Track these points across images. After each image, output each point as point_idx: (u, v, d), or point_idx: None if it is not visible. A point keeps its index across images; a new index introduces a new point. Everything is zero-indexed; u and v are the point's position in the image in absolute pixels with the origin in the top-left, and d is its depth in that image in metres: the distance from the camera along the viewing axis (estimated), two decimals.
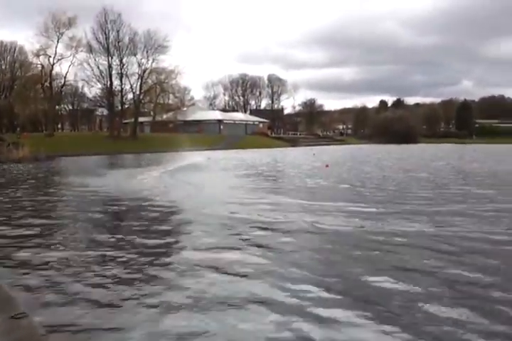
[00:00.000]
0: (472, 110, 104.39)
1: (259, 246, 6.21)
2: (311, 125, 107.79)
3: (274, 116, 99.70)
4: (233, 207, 9.29)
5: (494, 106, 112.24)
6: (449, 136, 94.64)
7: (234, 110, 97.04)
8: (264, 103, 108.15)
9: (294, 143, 69.88)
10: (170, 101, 63.24)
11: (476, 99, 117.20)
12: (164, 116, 64.92)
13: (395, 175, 17.68)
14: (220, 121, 76.45)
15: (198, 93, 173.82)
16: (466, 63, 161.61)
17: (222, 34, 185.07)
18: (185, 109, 74.66)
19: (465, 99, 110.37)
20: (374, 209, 9.08)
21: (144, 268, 5.23)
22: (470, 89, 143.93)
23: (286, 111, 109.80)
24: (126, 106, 57.95)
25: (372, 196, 11.26)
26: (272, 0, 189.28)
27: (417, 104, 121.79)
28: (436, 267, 5.15)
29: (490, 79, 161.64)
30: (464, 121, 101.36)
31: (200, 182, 14.49)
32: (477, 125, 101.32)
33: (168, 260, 5.57)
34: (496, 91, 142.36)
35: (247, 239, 6.59)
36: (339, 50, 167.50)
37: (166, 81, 57.01)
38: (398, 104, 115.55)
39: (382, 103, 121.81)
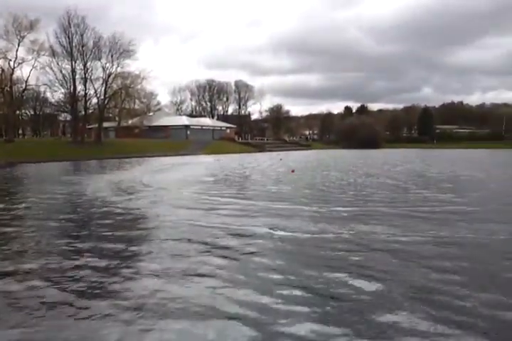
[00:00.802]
0: (433, 116, 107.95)
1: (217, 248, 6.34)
2: (278, 130, 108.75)
3: (242, 122, 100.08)
4: (194, 214, 9.35)
5: (453, 112, 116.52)
6: (412, 141, 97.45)
7: (201, 115, 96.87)
8: (231, 108, 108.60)
9: (261, 148, 70.30)
10: (136, 106, 62.60)
11: (437, 106, 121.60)
12: (130, 122, 64.13)
13: (359, 179, 18.13)
14: (187, 127, 76.10)
15: (164, 98, 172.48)
16: (427, 71, 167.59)
17: (190, 40, 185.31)
18: (151, 114, 73.96)
19: (426, 106, 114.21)
20: (333, 214, 9.34)
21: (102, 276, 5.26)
22: (430, 95, 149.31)
23: (253, 117, 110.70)
24: (91, 111, 56.89)
25: (334, 200, 11.54)
26: (240, 7, 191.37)
27: (380, 110, 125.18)
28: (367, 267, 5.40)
29: (449, 86, 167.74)
30: (425, 126, 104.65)
31: (164, 188, 14.47)
32: (438, 130, 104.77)
33: (127, 266, 5.60)
34: (455, 98, 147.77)
35: (205, 244, 6.70)
36: (305, 57, 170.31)
37: (132, 86, 56.40)
38: (362, 110, 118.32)
39: (347, 109, 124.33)
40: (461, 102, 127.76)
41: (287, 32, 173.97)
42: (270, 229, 7.67)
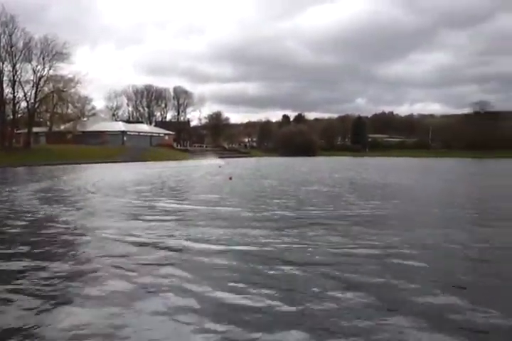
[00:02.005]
0: (365, 125, 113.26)
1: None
2: (217, 137, 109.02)
3: (180, 128, 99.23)
4: (115, 227, 9.13)
5: (384, 122, 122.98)
6: (345, 149, 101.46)
7: (138, 121, 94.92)
8: (169, 115, 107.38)
9: (200, 155, 70.14)
10: (69, 111, 60.23)
11: (369, 115, 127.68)
12: (62, 127, 61.64)
13: (293, 187, 18.74)
14: (123, 133, 74.33)
15: (100, 103, 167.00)
16: (361, 82, 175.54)
17: (129, 45, 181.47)
18: (85, 119, 71.51)
19: (359, 115, 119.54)
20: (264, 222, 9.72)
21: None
22: (363, 106, 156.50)
23: (192, 124, 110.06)
24: (19, 115, 54.10)
25: (267, 207, 11.93)
26: (182, 14, 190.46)
27: (316, 119, 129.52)
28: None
29: (381, 97, 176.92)
30: (358, 135, 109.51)
31: (91, 198, 14.23)
32: (370, 139, 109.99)
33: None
34: (386, 109, 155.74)
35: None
36: (245, 66, 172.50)
37: (65, 89, 54.37)
38: (299, 118, 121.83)
39: (285, 117, 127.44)
40: (392, 113, 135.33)
41: (228, 40, 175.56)
42: (187, 240, 7.53)
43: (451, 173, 32.73)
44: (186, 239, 7.55)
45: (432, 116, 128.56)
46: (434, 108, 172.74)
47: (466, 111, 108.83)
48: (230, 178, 23.33)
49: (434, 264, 6.03)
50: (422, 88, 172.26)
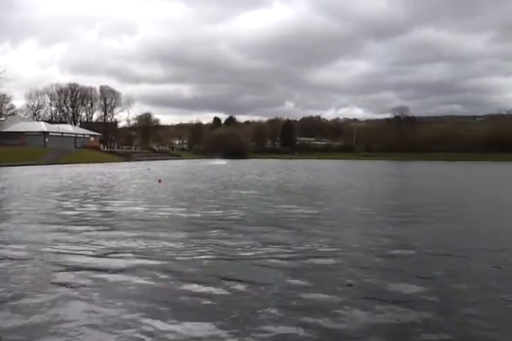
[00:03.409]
0: (294, 129, 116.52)
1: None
2: (147, 139, 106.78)
3: (107, 130, 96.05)
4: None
5: (312, 125, 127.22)
6: (275, 152, 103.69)
7: (62, 122, 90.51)
8: (96, 115, 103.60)
9: (128, 157, 68.40)
10: None
11: (298, 119, 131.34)
12: None
13: (224, 190, 19.07)
14: (45, 133, 70.61)
15: (20, 102, 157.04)
16: (290, 87, 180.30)
17: (54, 42, 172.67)
18: (3, 118, 67.12)
19: (288, 119, 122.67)
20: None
21: None
22: (293, 109, 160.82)
23: (120, 125, 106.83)
24: None
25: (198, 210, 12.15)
26: (112, 12, 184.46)
27: (247, 122, 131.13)
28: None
29: (309, 102, 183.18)
30: (287, 138, 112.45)
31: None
32: (298, 142, 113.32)
33: None
34: (314, 113, 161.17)
35: None
36: (178, 67, 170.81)
37: None
38: (230, 121, 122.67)
39: (216, 120, 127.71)
40: (319, 117, 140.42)
41: (161, 41, 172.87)
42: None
43: (373, 175, 34.79)
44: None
45: (356, 120, 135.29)
46: (358, 113, 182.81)
47: (387, 116, 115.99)
48: (160, 181, 23.13)
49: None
50: (346, 94, 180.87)
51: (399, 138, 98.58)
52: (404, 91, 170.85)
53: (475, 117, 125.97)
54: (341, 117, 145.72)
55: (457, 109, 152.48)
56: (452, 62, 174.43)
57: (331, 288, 5.16)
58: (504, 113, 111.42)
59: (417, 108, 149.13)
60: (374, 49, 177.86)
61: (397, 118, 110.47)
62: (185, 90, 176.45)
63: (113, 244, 7.50)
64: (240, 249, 7.19)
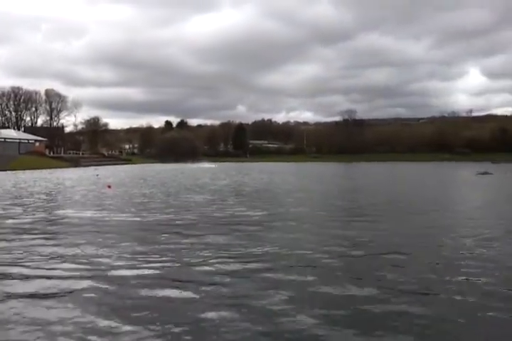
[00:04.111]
0: (246, 132, 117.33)
1: None
2: (95, 144, 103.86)
3: (53, 134, 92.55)
4: None
5: (264, 128, 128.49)
6: (228, 155, 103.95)
7: (4, 127, 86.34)
8: (41, 120, 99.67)
9: (75, 163, 66.32)
10: None
11: (250, 122, 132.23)
12: None
13: (176, 194, 19.07)
14: None
15: None
16: (242, 91, 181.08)
17: None
18: None
19: (240, 122, 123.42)
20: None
21: None
22: (244, 113, 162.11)
23: (67, 129, 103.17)
24: None
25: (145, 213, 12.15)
26: (58, 14, 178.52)
27: (199, 126, 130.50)
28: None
29: (260, 105, 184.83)
30: (239, 141, 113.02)
31: None
32: (250, 145, 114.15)
33: None
34: (265, 116, 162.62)
35: None
36: (127, 71, 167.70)
37: None
38: (182, 124, 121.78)
39: (168, 123, 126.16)
40: (270, 120, 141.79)
41: (109, 44, 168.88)
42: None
43: (323, 177, 35.75)
44: None
45: (306, 123, 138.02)
46: (308, 116, 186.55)
47: (336, 119, 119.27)
48: (109, 187, 22.75)
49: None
50: (296, 97, 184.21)
51: (347, 140, 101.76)
52: (352, 95, 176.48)
53: (419, 120, 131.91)
54: (292, 120, 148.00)
55: (402, 112, 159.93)
56: (396, 67, 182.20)
57: (277, 289, 5.40)
58: (446, 115, 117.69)
59: (365, 111, 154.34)
60: (322, 54, 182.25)
61: (345, 121, 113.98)
62: (136, 94, 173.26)
63: (55, 250, 7.48)
64: (187, 252, 7.35)
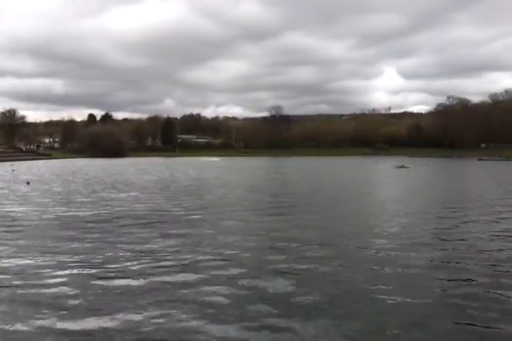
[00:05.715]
0: (175, 126, 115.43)
1: None
2: (12, 138, 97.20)
3: None
4: None
5: (193, 123, 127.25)
6: (156, 150, 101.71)
7: None
8: None
9: None
10: None
11: (178, 117, 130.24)
12: None
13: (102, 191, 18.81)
14: None
15: None
16: (169, 85, 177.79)
17: None
18: None
19: (168, 117, 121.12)
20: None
21: None
22: (173, 107, 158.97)
23: None
24: None
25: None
26: None
27: (125, 119, 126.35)
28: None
29: (188, 100, 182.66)
30: (168, 136, 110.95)
31: None
32: (179, 140, 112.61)
33: None
34: (194, 111, 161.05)
35: None
36: (49, 61, 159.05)
37: None
38: (106, 118, 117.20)
39: (91, 117, 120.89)
40: (199, 115, 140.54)
41: (29, 33, 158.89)
42: None
43: (250, 171, 36.66)
44: None
45: (235, 118, 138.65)
46: (237, 111, 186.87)
47: (264, 114, 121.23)
48: (28, 183, 22.01)
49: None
50: (224, 93, 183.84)
51: (275, 135, 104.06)
52: (278, 92, 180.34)
53: (341, 116, 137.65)
54: (221, 115, 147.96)
55: (325, 109, 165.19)
56: (319, 66, 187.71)
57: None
58: (366, 112, 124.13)
59: (291, 107, 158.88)
60: (249, 51, 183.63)
61: (273, 117, 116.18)
62: (58, 85, 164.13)
63: None
64: (99, 247, 7.64)
